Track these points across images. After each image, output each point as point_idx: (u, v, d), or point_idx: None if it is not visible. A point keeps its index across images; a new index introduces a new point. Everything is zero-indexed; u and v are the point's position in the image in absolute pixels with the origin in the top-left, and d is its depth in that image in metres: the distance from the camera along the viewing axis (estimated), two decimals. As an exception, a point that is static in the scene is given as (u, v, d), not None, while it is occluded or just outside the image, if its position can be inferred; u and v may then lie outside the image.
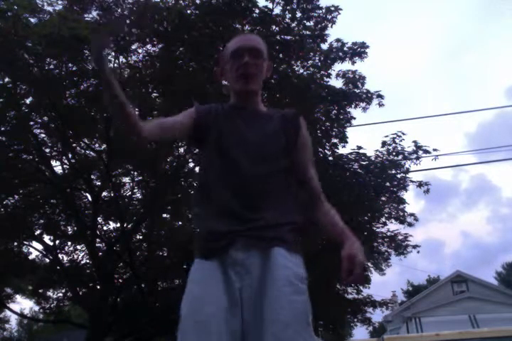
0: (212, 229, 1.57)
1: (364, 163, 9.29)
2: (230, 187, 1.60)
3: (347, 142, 9.44)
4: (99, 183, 10.81)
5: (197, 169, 9.33)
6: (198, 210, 1.66)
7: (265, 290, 1.47)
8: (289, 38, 8.46)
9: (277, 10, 8.36)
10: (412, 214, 10.79)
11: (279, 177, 1.67)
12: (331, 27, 8.56)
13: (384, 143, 9.54)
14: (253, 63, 1.70)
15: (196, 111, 1.73)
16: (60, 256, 11.55)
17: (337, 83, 9.23)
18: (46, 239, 11.22)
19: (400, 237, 11.23)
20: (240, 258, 1.51)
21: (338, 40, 8.90)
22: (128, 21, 7.54)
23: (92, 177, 10.74)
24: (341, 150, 9.47)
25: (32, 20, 7.70)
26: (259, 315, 1.44)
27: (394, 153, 9.51)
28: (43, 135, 9.67)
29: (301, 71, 9.12)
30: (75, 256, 11.83)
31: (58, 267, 11.16)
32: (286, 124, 1.75)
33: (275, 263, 1.52)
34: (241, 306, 1.47)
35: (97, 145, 10.43)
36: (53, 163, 10.11)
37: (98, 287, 10.86)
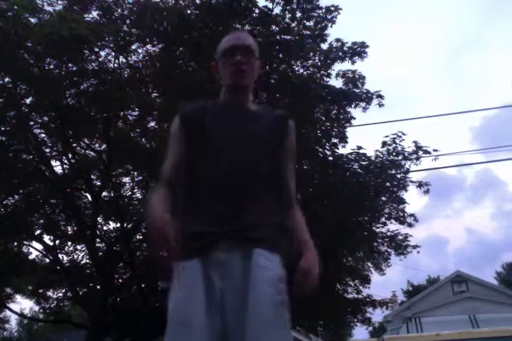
0: (197, 228, 1.58)
1: (364, 163, 9.28)
2: (213, 188, 1.63)
3: (347, 142, 9.46)
4: (99, 183, 10.80)
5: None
6: (179, 209, 1.64)
7: (248, 291, 1.49)
8: (289, 37, 8.46)
9: (277, 10, 8.39)
10: (411, 215, 10.80)
11: (262, 179, 1.70)
12: (331, 27, 8.59)
13: (384, 144, 9.54)
14: (245, 61, 1.74)
15: (182, 125, 1.76)
16: (60, 256, 11.55)
17: (337, 83, 9.25)
18: (46, 239, 11.22)
19: (400, 237, 11.24)
20: (222, 259, 1.53)
21: (338, 40, 8.92)
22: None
23: (92, 177, 10.73)
24: (341, 150, 9.49)
25: (32, 20, 7.70)
26: (242, 316, 1.45)
27: (394, 154, 9.51)
28: (43, 135, 9.66)
29: (301, 71, 9.13)
30: (75, 256, 11.83)
31: (58, 267, 11.14)
32: (276, 126, 1.79)
33: (257, 264, 1.53)
34: (222, 306, 1.48)
35: (97, 145, 10.43)
36: (53, 163, 10.10)
37: (98, 287, 10.86)
